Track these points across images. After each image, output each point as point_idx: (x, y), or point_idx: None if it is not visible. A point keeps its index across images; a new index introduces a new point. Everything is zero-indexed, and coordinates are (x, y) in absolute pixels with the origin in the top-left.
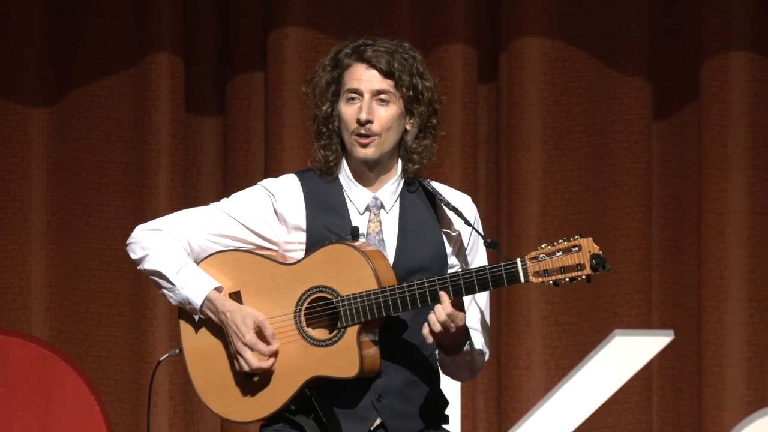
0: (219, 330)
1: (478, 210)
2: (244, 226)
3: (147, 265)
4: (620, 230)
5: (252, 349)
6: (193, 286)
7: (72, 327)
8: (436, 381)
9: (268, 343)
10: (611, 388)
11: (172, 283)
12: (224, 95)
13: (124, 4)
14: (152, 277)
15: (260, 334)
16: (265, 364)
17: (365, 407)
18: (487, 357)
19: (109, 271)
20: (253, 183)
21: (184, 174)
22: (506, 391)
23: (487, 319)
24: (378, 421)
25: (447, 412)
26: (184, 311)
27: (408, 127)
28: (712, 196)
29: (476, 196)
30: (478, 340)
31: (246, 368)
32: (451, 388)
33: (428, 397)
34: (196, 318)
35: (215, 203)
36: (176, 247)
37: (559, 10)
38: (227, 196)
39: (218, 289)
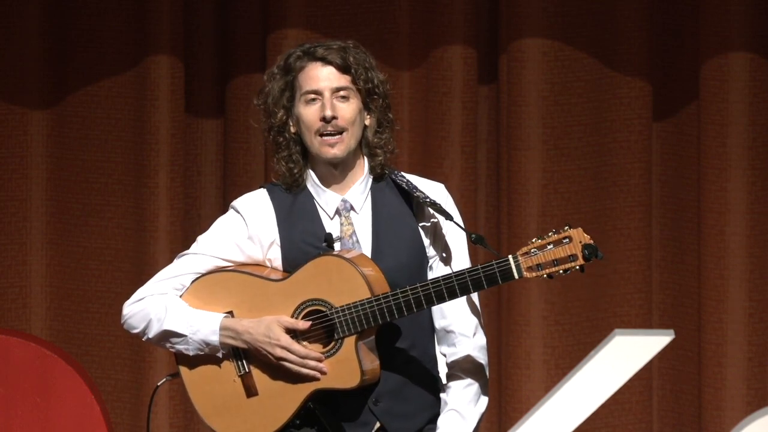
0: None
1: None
2: (221, 258)
3: (152, 333)
4: (620, 230)
5: (290, 349)
6: (203, 326)
7: (72, 327)
8: (434, 378)
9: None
10: (611, 388)
11: (182, 335)
12: (224, 95)
13: (124, 4)
14: (162, 342)
15: (290, 331)
16: (314, 353)
17: (363, 412)
18: (485, 400)
19: (109, 271)
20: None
21: (184, 174)
22: (506, 391)
23: (481, 362)
24: (377, 425)
25: None
26: None
27: (367, 122)
28: (711, 196)
29: (476, 196)
30: (467, 397)
31: (301, 366)
32: None
33: (427, 394)
34: (221, 355)
35: (185, 251)
36: (167, 301)
37: (559, 10)
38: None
39: (227, 316)
